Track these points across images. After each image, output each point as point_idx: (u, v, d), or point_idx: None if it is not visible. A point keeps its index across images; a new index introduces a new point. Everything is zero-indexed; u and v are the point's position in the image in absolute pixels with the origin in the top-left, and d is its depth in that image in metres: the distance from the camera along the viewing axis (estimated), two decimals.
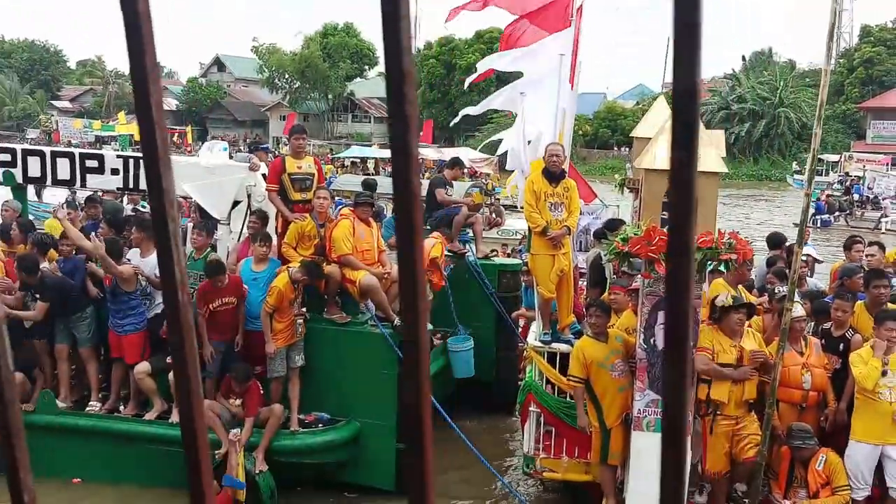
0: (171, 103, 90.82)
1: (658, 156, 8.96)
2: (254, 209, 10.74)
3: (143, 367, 9.90)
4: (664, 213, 10.11)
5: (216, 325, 9.83)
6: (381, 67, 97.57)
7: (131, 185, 11.16)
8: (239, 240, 10.82)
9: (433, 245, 10.78)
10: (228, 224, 10.91)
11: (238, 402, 9.71)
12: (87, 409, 10.30)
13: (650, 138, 10.46)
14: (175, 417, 9.84)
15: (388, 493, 9.87)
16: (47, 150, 11.63)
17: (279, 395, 9.86)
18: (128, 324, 10.04)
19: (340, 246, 9.75)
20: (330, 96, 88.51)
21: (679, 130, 0.70)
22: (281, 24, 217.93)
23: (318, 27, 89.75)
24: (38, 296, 9.94)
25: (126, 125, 56.87)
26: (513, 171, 12.95)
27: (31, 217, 12.15)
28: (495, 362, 12.58)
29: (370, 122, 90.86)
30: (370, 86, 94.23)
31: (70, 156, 11.24)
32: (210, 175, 10.77)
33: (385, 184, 18.82)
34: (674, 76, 0.69)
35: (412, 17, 0.69)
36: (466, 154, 35.30)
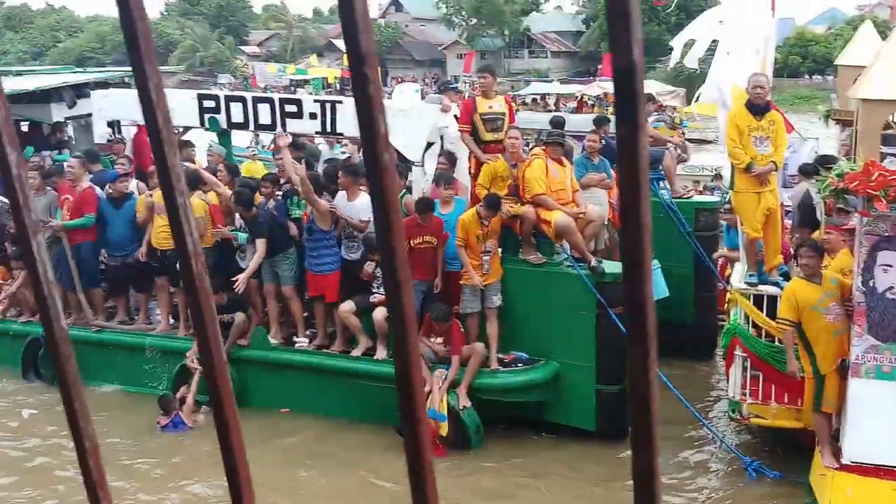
0: None
1: (878, 84, 8.36)
2: (445, 150, 10.75)
3: (349, 305, 10.17)
4: (884, 146, 9.48)
5: (415, 264, 9.96)
6: (556, 0, 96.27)
7: (328, 129, 11.37)
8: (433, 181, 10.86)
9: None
10: (422, 166, 10.96)
11: (439, 340, 9.86)
12: (296, 345, 10.72)
13: (859, 66, 9.76)
14: (381, 354, 10.10)
15: (588, 434, 9.83)
16: (248, 95, 11.99)
17: (475, 333, 9.94)
18: (325, 263, 10.32)
19: (534, 186, 9.63)
20: (506, 32, 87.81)
21: (622, 105, 0.66)
22: None
23: None
24: (251, 232, 10.35)
25: (318, 68, 58.10)
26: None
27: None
28: (694, 303, 12.23)
29: (547, 56, 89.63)
30: (547, 19, 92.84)
31: (270, 101, 11.57)
32: (403, 117, 10.84)
33: (574, 122, 18.50)
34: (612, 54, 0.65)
35: None
36: (651, 87, 34.13)
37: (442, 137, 10.78)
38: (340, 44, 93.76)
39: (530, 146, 12.08)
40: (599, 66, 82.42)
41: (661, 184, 12.26)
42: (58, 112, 14.25)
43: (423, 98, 13.55)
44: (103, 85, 14.39)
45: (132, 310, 11.89)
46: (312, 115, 11.30)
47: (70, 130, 14.70)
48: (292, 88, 55.86)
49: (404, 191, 10.42)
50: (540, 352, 10.06)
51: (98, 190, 11.19)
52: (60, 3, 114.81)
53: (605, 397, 9.80)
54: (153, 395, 10.60)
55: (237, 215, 10.66)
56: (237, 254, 10.77)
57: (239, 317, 10.48)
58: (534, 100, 40.85)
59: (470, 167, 10.49)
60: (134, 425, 10.34)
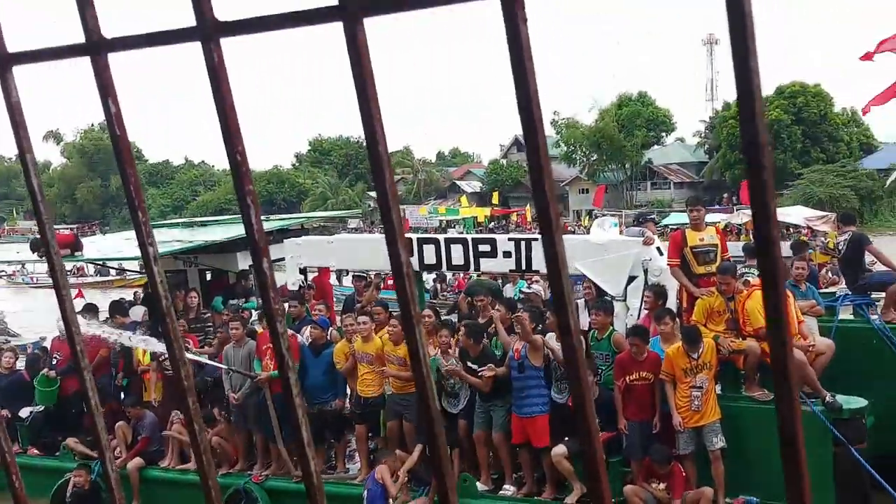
0: (475, 185, 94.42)
1: None
2: (650, 284, 10.41)
3: (561, 449, 9.73)
4: None
5: (633, 401, 9.56)
6: (678, 133, 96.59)
7: (523, 266, 11.21)
8: (638, 317, 10.49)
9: None
10: (624, 300, 10.64)
11: (662, 486, 9.31)
12: (501, 491, 10.28)
13: None
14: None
15: None
16: (441, 237, 11.96)
17: (694, 476, 9.36)
18: (535, 405, 9.95)
19: (758, 317, 9.16)
20: (627, 165, 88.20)
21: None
22: (578, 96, 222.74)
23: (612, 99, 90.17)
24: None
25: (469, 208, 59.13)
26: None
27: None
28: None
29: (670, 187, 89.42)
30: (667, 151, 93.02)
31: (463, 242, 11.52)
32: (603, 252, 10.61)
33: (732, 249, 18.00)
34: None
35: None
36: (799, 212, 33.30)
37: (646, 271, 10.45)
38: (463, 184, 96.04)
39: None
40: (724, 195, 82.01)
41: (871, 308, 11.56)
42: (243, 261, 14.54)
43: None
44: (281, 232, 14.66)
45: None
46: (507, 254, 11.18)
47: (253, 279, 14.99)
48: (443, 228, 56.80)
49: (611, 328, 10.07)
50: (771, 495, 9.34)
51: (299, 338, 11.21)
52: (199, 157, 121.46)
53: None
54: None
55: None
56: (445, 398, 10.54)
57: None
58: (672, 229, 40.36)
59: (680, 301, 10.11)
60: None
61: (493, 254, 11.29)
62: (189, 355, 11.47)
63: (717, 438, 9.33)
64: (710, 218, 40.77)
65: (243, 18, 0.81)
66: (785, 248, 17.30)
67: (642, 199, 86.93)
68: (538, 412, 9.95)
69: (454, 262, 11.51)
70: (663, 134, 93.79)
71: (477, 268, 11.33)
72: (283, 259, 13.39)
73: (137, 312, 13.59)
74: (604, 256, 10.59)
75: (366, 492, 10.13)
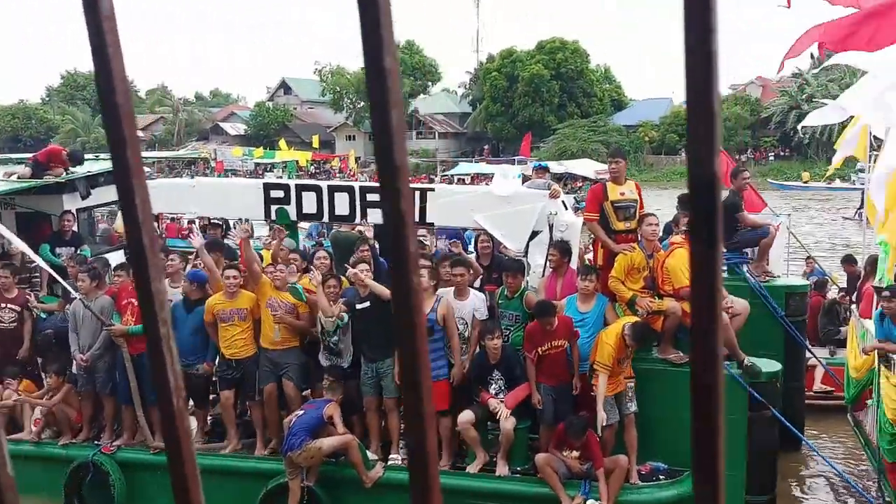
0: (239, 128, 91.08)
1: None
2: (555, 240, 9.90)
3: (468, 416, 9.09)
4: None
5: (545, 369, 9.04)
6: (444, 83, 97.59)
7: (416, 219, 10.34)
8: (543, 274, 9.96)
9: None
10: (525, 257, 10.10)
11: (574, 454, 8.88)
12: (389, 461, 9.51)
13: None
14: (502, 470, 9.05)
15: None
16: (324, 184, 10.88)
17: (612, 445, 8.99)
18: (439, 367, 9.25)
19: (681, 277, 8.87)
20: None
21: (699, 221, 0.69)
22: (343, 45, 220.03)
23: None
24: None
25: (287, 151, 55.98)
26: None
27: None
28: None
29: (435, 137, 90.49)
30: (434, 101, 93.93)
31: (349, 190, 10.51)
32: (505, 204, 9.99)
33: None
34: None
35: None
36: (589, 165, 34.20)
37: (551, 226, 9.92)
38: (227, 126, 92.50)
39: None
40: (486, 147, 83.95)
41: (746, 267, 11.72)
42: (70, 202, 12.63)
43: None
44: (111, 174, 12.91)
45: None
46: None
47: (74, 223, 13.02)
48: (260, 172, 53.14)
49: (523, 287, 9.51)
50: (679, 461, 9.17)
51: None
52: None
53: None
54: None
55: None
56: (324, 353, 9.63)
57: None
58: (461, 180, 40.42)
59: (596, 258, 9.70)
60: None
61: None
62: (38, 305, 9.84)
63: (631, 403, 9.02)
64: (486, 169, 41.17)
65: None
66: None
67: (408, 147, 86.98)
68: (442, 376, 9.25)
69: (338, 212, 10.49)
70: (429, 83, 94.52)
71: (364, 217, 10.36)
72: (116, 202, 11.85)
73: None
74: (506, 209, 9.97)
75: (301, 412, 9.13)
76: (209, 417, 10.60)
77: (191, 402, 10.40)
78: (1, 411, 10.43)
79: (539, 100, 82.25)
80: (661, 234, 10.11)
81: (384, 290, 9.02)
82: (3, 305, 10.62)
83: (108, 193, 11.92)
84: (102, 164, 13.21)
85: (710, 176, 0.65)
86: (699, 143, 0.64)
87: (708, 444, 0.72)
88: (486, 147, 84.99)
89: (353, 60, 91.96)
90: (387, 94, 0.68)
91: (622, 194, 9.40)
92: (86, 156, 13.08)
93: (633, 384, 9.05)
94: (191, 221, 21.18)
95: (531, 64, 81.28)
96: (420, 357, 0.71)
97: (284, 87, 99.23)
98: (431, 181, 43.58)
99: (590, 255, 10.95)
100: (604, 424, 8.75)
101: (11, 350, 10.65)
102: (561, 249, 9.72)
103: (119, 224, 11.39)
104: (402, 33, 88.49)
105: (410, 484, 0.71)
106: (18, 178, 11.78)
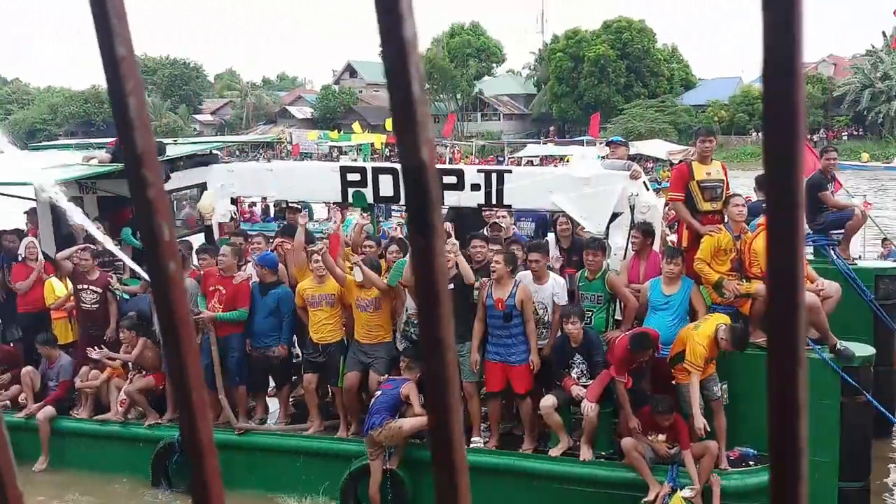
0: (306, 111, 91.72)
1: None
2: (637, 222, 9.72)
3: (550, 400, 9.00)
4: None
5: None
6: (508, 64, 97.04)
7: (494, 201, 10.27)
8: (624, 256, 9.80)
9: None
10: (606, 238, 9.93)
11: (661, 437, 8.74)
12: (472, 444, 9.46)
13: None
14: (586, 454, 8.94)
15: None
16: (399, 167, 10.85)
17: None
18: (522, 352, 9.18)
19: None
20: (458, 96, 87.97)
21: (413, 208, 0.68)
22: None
23: (445, 28, 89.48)
24: None
25: (362, 134, 55.44)
26: None
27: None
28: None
29: (500, 119, 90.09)
30: (498, 83, 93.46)
31: None
32: (584, 186, 9.83)
33: None
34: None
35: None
36: (661, 146, 33.64)
37: (632, 208, 9.73)
38: (294, 110, 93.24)
39: None
40: (551, 128, 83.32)
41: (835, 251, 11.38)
42: None
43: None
44: (190, 158, 13.01)
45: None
46: (475, 187, 10.21)
47: None
48: (335, 155, 52.94)
49: (605, 268, 9.36)
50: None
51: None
52: (13, 74, 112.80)
53: (848, 496, 8.79)
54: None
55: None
56: (402, 341, 9.67)
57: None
58: (529, 162, 40.06)
59: (680, 240, 9.50)
60: None
61: (459, 186, 10.27)
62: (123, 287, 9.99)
63: (716, 388, 8.82)
64: (556, 150, 40.70)
65: None
66: None
67: (473, 129, 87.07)
68: (523, 360, 9.18)
69: None
70: (494, 65, 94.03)
71: (442, 201, 10.29)
72: (196, 186, 12.02)
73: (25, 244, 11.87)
74: (586, 190, 9.81)
75: (379, 393, 9.23)
76: (290, 399, 10.69)
77: (272, 383, 10.53)
78: (88, 391, 10.66)
79: (605, 80, 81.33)
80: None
81: (470, 273, 9.00)
82: (85, 287, 10.85)
83: (188, 177, 12.02)
84: (181, 147, 13.32)
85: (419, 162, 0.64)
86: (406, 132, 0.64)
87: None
88: (551, 128, 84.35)
89: (420, 42, 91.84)
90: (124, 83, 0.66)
91: (708, 174, 9.18)
92: (164, 141, 13.16)
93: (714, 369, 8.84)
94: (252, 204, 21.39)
95: (597, 44, 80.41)
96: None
97: (350, 70, 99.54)
98: (500, 163, 43.33)
99: (672, 237, 10.76)
100: (700, 427, 8.53)
101: (94, 331, 10.90)
102: (644, 231, 9.56)
103: (203, 205, 11.52)
104: (467, 15, 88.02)
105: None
106: (99, 162, 11.95)
